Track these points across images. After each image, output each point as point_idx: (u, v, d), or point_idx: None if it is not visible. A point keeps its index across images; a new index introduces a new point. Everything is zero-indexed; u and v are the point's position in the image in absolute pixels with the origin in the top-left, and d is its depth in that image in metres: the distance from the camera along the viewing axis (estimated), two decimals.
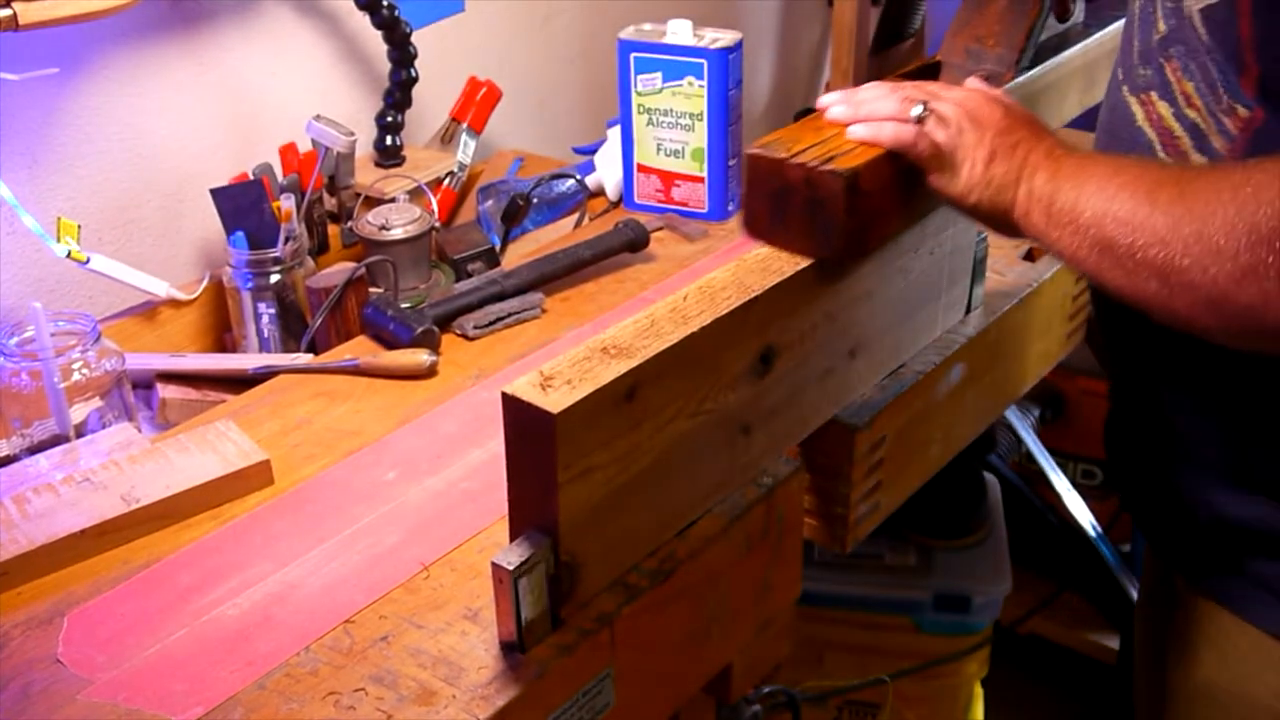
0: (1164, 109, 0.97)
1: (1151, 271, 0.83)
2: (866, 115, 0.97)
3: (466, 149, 1.66)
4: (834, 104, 1.00)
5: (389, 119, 1.64)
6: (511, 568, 0.80)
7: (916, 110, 0.95)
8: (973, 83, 1.02)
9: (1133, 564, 2.09)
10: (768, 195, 0.96)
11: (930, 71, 1.15)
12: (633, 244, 1.41)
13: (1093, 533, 2.09)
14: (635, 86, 1.48)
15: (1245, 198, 0.79)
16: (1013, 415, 2.10)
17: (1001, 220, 0.94)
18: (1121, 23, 1.13)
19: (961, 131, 0.94)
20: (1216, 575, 1.04)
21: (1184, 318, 0.84)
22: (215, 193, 1.38)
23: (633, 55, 1.47)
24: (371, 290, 1.36)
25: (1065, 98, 1.25)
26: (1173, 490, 1.06)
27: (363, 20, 1.59)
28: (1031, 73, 1.15)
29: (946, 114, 0.95)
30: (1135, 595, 2.03)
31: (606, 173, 1.61)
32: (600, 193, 1.62)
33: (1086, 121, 1.35)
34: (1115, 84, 1.04)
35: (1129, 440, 1.14)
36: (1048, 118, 1.11)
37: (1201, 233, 0.80)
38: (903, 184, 0.97)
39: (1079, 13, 1.24)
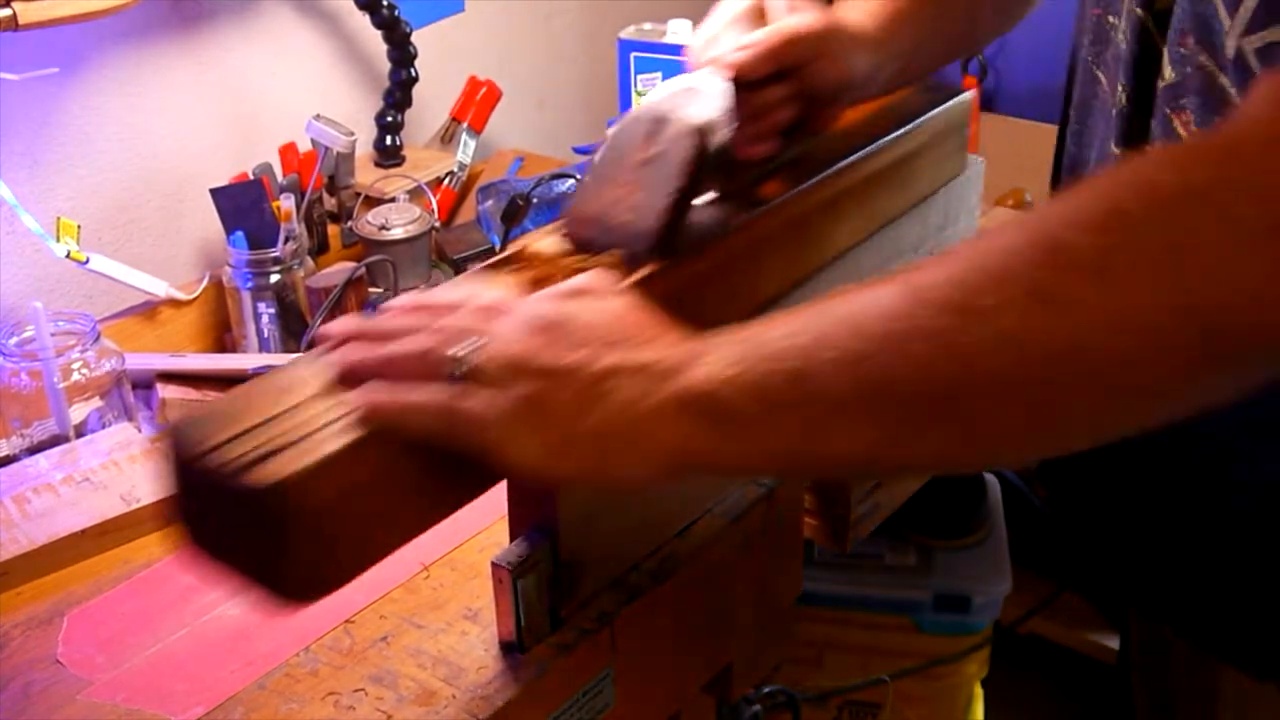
0: None
1: (1000, 399, 0.54)
2: (378, 365, 0.65)
3: (466, 149, 1.66)
4: (335, 346, 0.67)
5: (389, 119, 1.64)
6: (511, 567, 0.80)
7: (457, 364, 0.63)
8: (528, 303, 0.67)
9: None
10: (193, 502, 0.62)
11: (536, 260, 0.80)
12: None
13: None
14: (635, 86, 1.48)
15: (1032, 218, 0.54)
16: None
17: (640, 468, 0.62)
18: (862, 153, 0.92)
19: (525, 377, 0.62)
20: (1230, 640, 0.92)
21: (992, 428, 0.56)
22: (215, 193, 1.38)
23: (633, 55, 1.47)
24: (371, 290, 1.36)
25: (755, 274, 0.85)
26: (1170, 563, 0.92)
27: (363, 20, 1.59)
28: (678, 256, 0.77)
29: (498, 357, 0.63)
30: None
31: None
32: None
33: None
34: (1099, 138, 0.89)
35: (1097, 512, 0.99)
36: (736, 303, 0.81)
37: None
38: (420, 468, 0.65)
39: (792, 149, 0.88)
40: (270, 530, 0.58)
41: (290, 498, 0.58)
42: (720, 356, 0.60)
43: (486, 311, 0.66)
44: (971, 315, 0.53)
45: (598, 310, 0.65)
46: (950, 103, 1.01)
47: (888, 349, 0.54)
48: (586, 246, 0.77)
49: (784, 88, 0.86)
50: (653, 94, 0.80)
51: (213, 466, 0.59)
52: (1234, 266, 0.50)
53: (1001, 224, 0.56)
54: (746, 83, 0.83)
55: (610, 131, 0.80)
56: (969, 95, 1.04)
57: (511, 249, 0.78)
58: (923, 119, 0.98)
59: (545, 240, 0.77)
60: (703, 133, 0.76)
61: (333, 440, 0.60)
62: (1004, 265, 0.53)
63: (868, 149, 0.91)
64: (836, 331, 0.56)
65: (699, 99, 0.78)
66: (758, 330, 0.60)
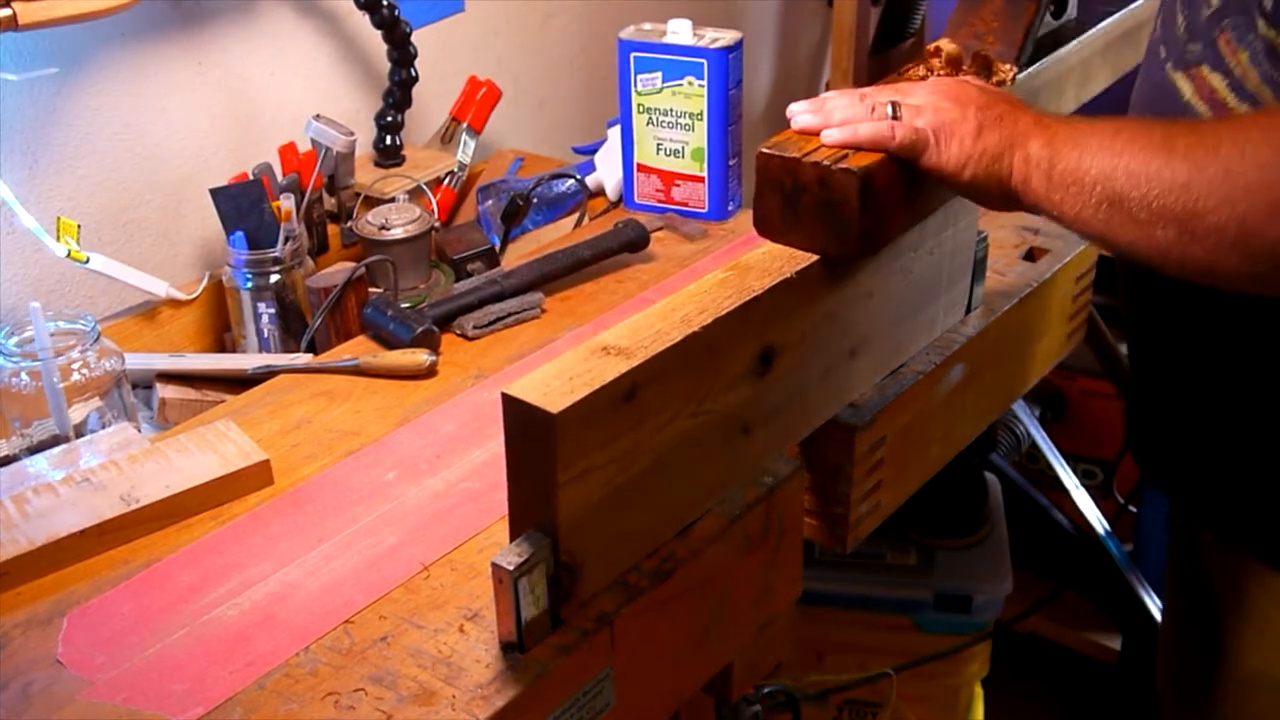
0: (1217, 81, 0.97)
1: (1169, 219, 0.83)
2: (839, 121, 0.96)
3: (466, 149, 1.66)
4: (801, 113, 0.99)
5: (389, 119, 1.64)
6: (511, 568, 0.80)
7: (887, 109, 0.95)
8: (937, 77, 1.03)
9: (1136, 563, 2.09)
10: (779, 195, 0.95)
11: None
12: (632, 244, 1.41)
13: (1101, 530, 2.09)
14: (635, 86, 1.48)
15: None
16: (1022, 413, 2.10)
17: (998, 192, 0.93)
18: (1115, 17, 1.18)
19: (940, 112, 0.94)
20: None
21: (1203, 264, 0.84)
22: (215, 193, 1.38)
23: (633, 55, 1.47)
24: (371, 290, 1.36)
25: (1063, 94, 1.30)
26: (1225, 461, 1.06)
27: (363, 20, 1.59)
28: (1030, 70, 1.19)
29: (920, 103, 0.95)
30: (1143, 594, 2.02)
31: (606, 173, 1.61)
32: (600, 193, 1.62)
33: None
34: (1157, 64, 1.04)
35: (1163, 417, 1.15)
36: (1051, 108, 1.16)
37: (1230, 171, 0.81)
38: (908, 182, 0.97)
39: (1073, 9, 1.29)
40: (852, 203, 0.92)
41: (869, 181, 0.93)
42: (1060, 136, 0.90)
43: (900, 89, 0.98)
44: (1172, 194, 0.83)
45: (981, 85, 0.97)
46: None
47: (1163, 170, 0.84)
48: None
49: None
50: None
51: (815, 161, 0.94)
52: None
53: (1231, 127, 0.85)
54: None
55: None
56: None
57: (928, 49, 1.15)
58: (1140, 3, 1.37)
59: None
60: None
61: (867, 155, 0.94)
62: (1209, 171, 0.82)
63: (1107, 22, 1.35)
64: (1128, 148, 0.86)
65: None
66: (1080, 126, 0.90)
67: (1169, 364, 1.11)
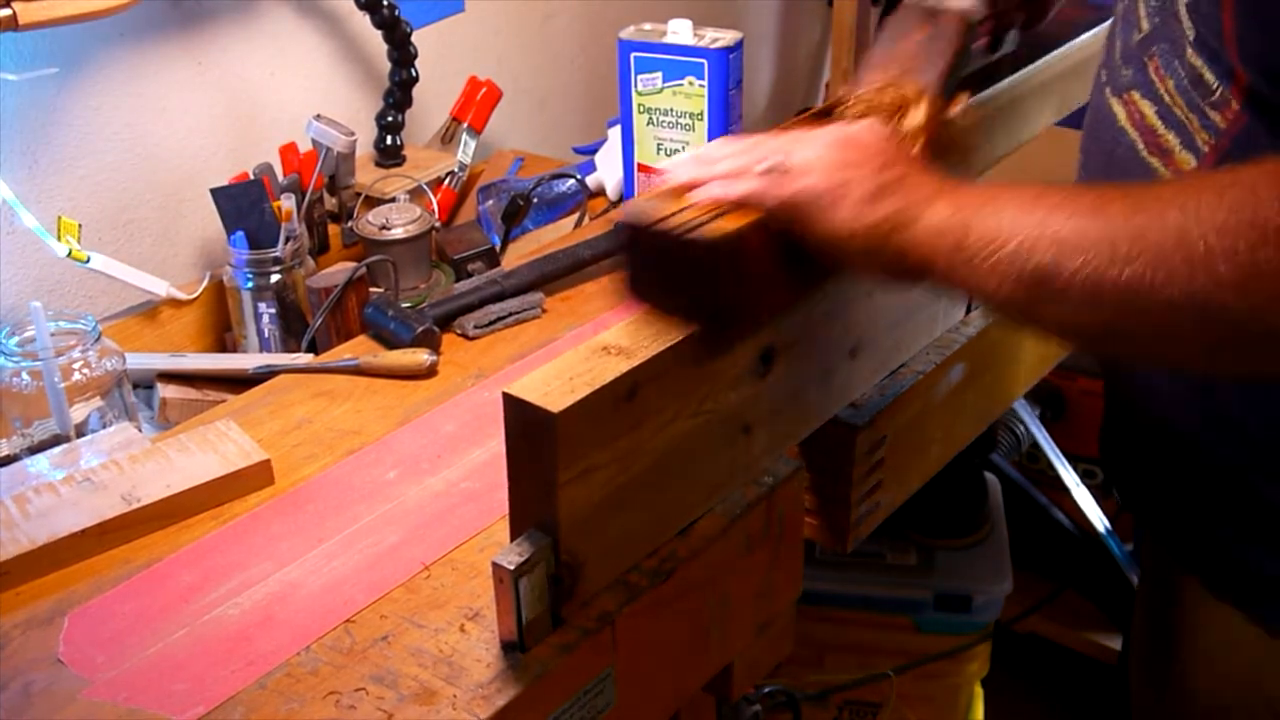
0: (1147, 107, 0.92)
1: (1108, 296, 0.73)
2: (721, 174, 0.86)
3: (467, 149, 1.66)
4: (681, 166, 0.89)
5: (389, 119, 1.64)
6: (512, 567, 0.80)
7: (765, 163, 0.84)
8: (837, 126, 0.91)
9: (1136, 563, 2.09)
10: (643, 262, 0.85)
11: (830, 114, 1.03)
12: None
13: (1102, 529, 2.08)
14: (635, 86, 1.48)
15: (1239, 195, 0.71)
16: (1023, 412, 2.09)
17: (896, 266, 0.83)
18: (1060, 50, 1.15)
19: (831, 171, 0.83)
20: (1236, 581, 1.01)
21: (1151, 343, 0.76)
22: (215, 192, 1.38)
23: (633, 55, 1.47)
24: (372, 290, 1.36)
25: (991, 135, 1.15)
26: (1186, 498, 1.03)
27: (363, 20, 1.59)
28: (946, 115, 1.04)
29: (809, 157, 0.84)
30: None
31: (607, 173, 1.61)
32: (600, 193, 1.62)
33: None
34: (1098, 86, 1.00)
35: (1132, 445, 1.12)
36: (974, 155, 1.08)
37: (1183, 239, 0.71)
38: (790, 250, 0.86)
39: (1011, 43, 1.15)
40: (706, 276, 0.82)
41: (721, 251, 0.81)
42: (972, 202, 0.79)
43: (792, 138, 0.86)
44: (1113, 266, 0.72)
45: (886, 140, 0.86)
46: (1100, 28, 1.27)
47: (1099, 239, 0.73)
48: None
49: None
50: None
51: (665, 230, 0.82)
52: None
53: (1175, 190, 0.74)
54: None
55: (888, 20, 1.05)
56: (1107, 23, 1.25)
57: (833, 99, 1.02)
58: (1090, 34, 1.27)
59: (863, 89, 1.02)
60: (967, 19, 1.02)
61: (736, 219, 0.83)
62: (1154, 238, 0.72)
63: (1063, 48, 1.23)
64: (1053, 215, 0.75)
65: None
66: (995, 192, 0.80)
67: (1137, 395, 1.07)
